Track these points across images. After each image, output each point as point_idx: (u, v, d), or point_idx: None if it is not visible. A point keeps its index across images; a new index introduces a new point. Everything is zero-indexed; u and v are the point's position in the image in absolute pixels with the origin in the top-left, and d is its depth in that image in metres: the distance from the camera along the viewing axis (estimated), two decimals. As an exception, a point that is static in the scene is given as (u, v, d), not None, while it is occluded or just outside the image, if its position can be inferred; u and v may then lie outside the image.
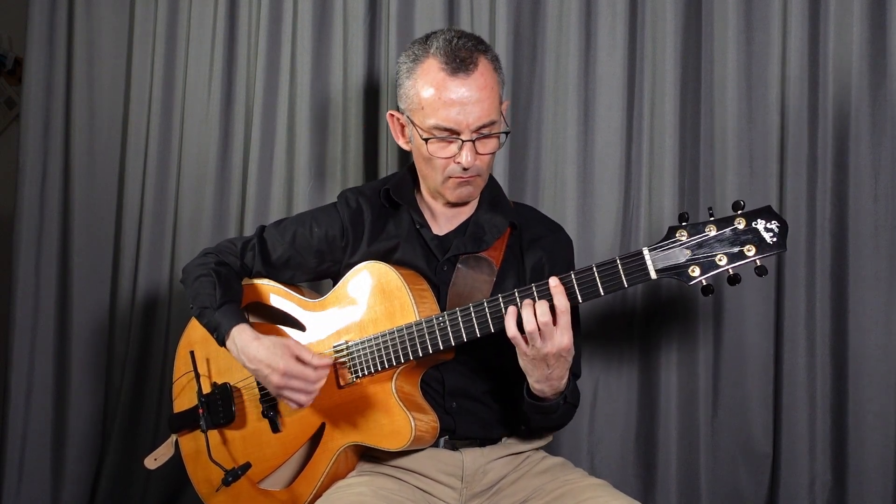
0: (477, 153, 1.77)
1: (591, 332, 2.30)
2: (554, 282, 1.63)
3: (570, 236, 2.01)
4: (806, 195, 2.21)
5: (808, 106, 2.22)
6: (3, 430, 2.60)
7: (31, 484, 2.59)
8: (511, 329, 1.64)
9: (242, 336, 1.79)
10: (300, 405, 1.76)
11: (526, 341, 1.63)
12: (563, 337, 1.62)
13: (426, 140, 1.77)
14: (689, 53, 2.28)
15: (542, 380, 1.68)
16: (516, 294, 1.66)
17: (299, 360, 1.74)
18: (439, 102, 1.74)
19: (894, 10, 2.14)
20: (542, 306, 1.61)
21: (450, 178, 1.80)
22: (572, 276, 1.64)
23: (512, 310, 1.64)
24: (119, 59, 2.67)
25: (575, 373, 1.90)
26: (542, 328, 1.61)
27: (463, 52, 1.75)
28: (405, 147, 1.88)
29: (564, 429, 2.28)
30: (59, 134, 2.65)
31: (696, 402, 2.25)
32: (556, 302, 1.61)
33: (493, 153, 1.81)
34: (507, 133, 1.81)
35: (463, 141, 1.75)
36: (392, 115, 1.88)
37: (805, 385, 2.20)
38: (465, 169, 1.77)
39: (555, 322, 1.61)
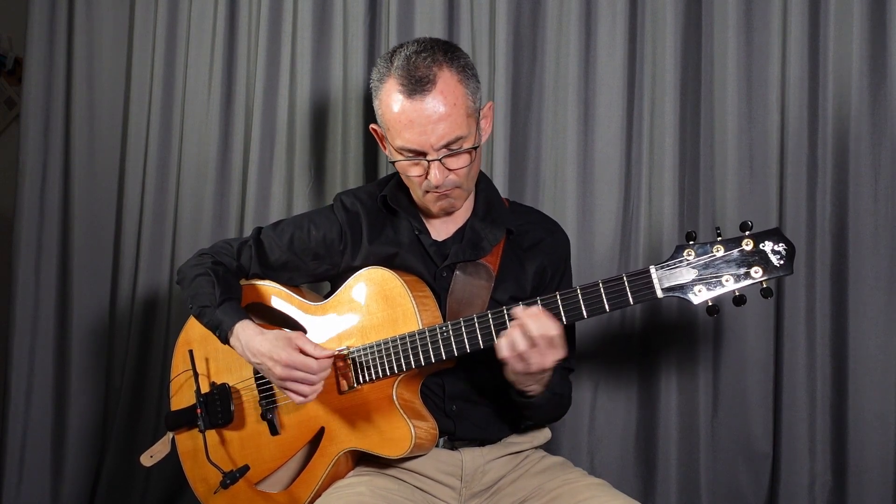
0: (449, 169, 1.74)
1: (591, 331, 2.30)
2: (536, 309, 1.63)
3: (571, 236, 2.01)
4: (806, 195, 2.21)
5: (808, 106, 2.21)
6: (3, 430, 2.60)
7: (31, 484, 2.59)
8: (504, 350, 1.64)
9: (247, 331, 1.78)
10: (304, 398, 1.74)
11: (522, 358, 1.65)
12: (544, 359, 1.63)
13: (395, 161, 1.77)
14: (689, 53, 2.28)
15: (532, 383, 1.71)
16: (521, 307, 1.66)
17: (302, 351, 1.73)
18: (400, 125, 1.72)
19: (894, 10, 2.14)
20: (518, 335, 1.62)
21: (427, 192, 1.79)
22: (578, 291, 1.64)
23: (505, 336, 1.64)
24: (119, 59, 2.67)
25: (569, 367, 1.91)
26: (522, 354, 1.62)
27: (421, 70, 1.70)
28: (390, 158, 1.87)
29: (564, 428, 2.30)
30: (59, 134, 2.65)
31: (696, 402, 2.25)
32: (543, 325, 1.62)
33: (468, 167, 1.77)
34: (475, 148, 1.76)
35: (429, 161, 1.73)
36: (374, 130, 1.88)
37: (805, 385, 2.20)
38: (436, 186, 1.76)
39: (534, 345, 1.62)
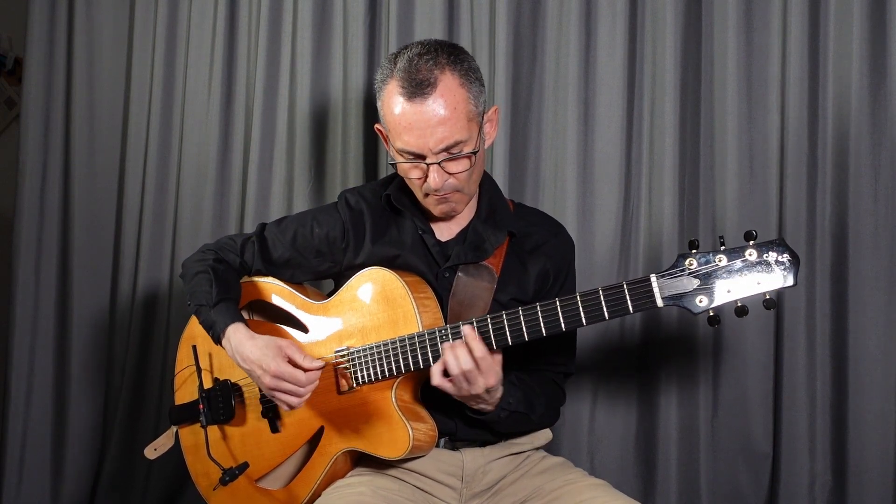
0: (448, 173, 1.74)
1: (592, 333, 2.30)
2: (467, 330, 1.65)
3: (571, 236, 2.01)
4: (806, 195, 2.21)
5: (807, 106, 2.22)
6: (3, 430, 2.60)
7: (31, 484, 2.60)
8: (436, 379, 1.66)
9: (237, 335, 1.78)
10: (291, 407, 1.76)
11: (452, 383, 1.66)
12: (488, 379, 1.64)
13: (395, 163, 1.77)
14: (689, 53, 2.28)
15: (476, 405, 1.72)
16: (520, 312, 1.66)
17: (291, 361, 1.73)
18: (400, 127, 1.71)
19: (894, 10, 2.14)
20: (463, 354, 1.63)
21: (427, 195, 1.79)
22: (578, 298, 1.63)
23: (440, 361, 1.66)
24: (119, 59, 2.68)
25: (568, 372, 1.91)
26: (466, 375, 1.64)
27: (422, 73, 1.69)
28: (391, 159, 1.86)
29: (565, 429, 2.30)
30: (59, 134, 2.65)
31: (696, 402, 2.25)
32: (473, 349, 1.63)
33: (467, 171, 1.76)
34: (475, 153, 1.74)
35: (427, 164, 1.73)
36: (379, 129, 1.87)
37: (805, 385, 2.20)
38: (435, 190, 1.75)
39: (479, 367, 1.63)
